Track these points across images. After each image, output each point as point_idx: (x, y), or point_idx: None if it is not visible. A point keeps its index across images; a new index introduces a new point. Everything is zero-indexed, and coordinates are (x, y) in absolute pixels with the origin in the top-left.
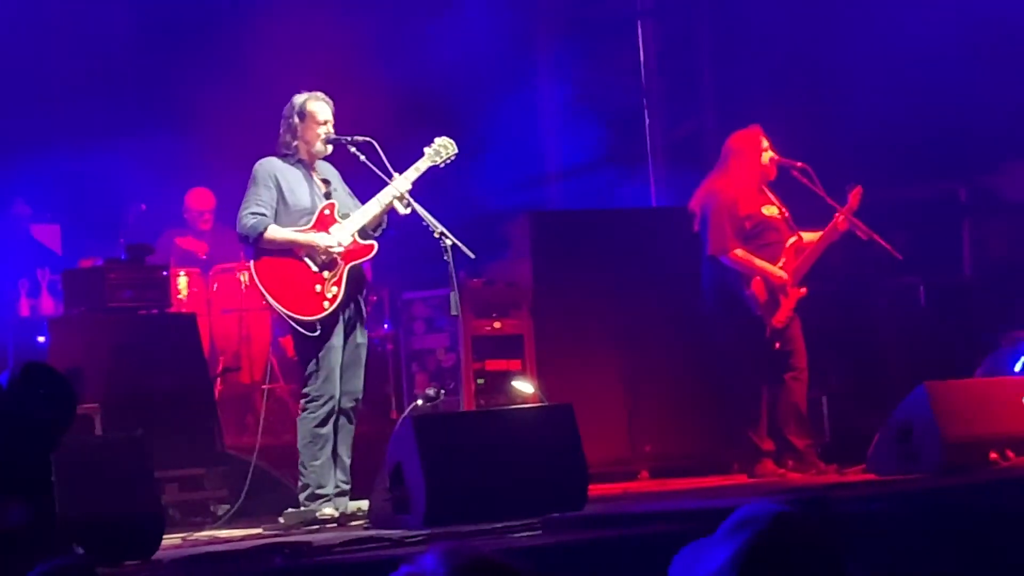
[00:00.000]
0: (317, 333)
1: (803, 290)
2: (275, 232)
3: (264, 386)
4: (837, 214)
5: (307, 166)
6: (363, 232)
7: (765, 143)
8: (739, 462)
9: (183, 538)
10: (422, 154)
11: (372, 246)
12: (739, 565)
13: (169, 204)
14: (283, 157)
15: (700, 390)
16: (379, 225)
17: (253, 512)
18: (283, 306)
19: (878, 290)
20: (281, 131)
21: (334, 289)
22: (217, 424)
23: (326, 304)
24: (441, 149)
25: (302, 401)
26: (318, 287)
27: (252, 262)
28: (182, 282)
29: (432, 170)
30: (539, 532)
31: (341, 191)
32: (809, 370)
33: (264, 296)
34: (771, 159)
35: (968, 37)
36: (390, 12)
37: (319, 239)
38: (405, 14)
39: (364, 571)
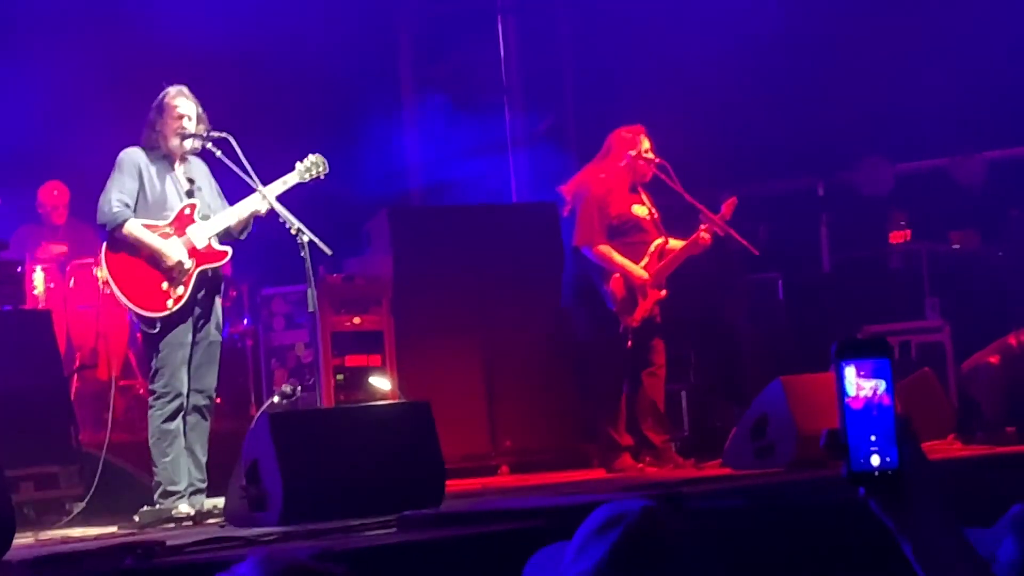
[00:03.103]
0: (156, 330)
1: (663, 292)
2: (132, 228)
3: (121, 383)
4: (701, 225)
5: (171, 161)
6: (226, 233)
7: (646, 144)
8: (598, 457)
9: (36, 537)
10: (292, 168)
11: (225, 253)
12: (615, 561)
13: (23, 199)
14: (149, 150)
15: (560, 385)
16: (245, 228)
17: (111, 510)
18: (127, 298)
19: (737, 285)
20: (146, 123)
21: (180, 289)
22: (73, 421)
23: (170, 303)
24: (312, 167)
25: (150, 398)
26: (164, 285)
27: (104, 249)
28: (38, 278)
29: (291, 165)
30: (394, 530)
31: (208, 191)
32: (668, 366)
33: (110, 284)
34: (647, 160)
35: (824, 32)
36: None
37: (170, 252)
38: (263, 7)
39: (216, 570)
